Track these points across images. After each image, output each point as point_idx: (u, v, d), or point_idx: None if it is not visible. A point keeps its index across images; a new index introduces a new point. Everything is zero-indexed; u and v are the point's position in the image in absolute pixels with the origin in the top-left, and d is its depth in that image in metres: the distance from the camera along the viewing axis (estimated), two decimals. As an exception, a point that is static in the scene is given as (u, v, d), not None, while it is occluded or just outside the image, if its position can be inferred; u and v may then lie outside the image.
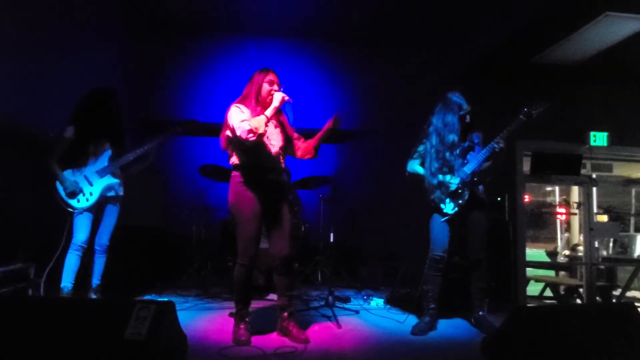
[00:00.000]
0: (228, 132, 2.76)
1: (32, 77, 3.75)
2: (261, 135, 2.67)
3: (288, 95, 2.80)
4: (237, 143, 2.76)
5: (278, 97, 2.75)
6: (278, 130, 2.90)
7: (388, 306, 3.90)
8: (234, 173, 2.83)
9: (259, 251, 2.87)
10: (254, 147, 2.73)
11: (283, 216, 2.89)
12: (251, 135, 2.60)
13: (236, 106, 2.77)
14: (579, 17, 3.85)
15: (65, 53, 4.20)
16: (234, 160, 2.84)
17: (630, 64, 4.75)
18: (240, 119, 2.66)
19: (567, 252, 6.13)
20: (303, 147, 3.00)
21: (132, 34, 5.91)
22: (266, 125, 2.69)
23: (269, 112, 2.71)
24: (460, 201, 3.13)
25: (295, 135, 3.02)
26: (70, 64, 4.24)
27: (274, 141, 2.85)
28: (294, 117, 2.89)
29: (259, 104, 2.80)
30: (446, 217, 3.14)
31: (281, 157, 2.92)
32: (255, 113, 2.76)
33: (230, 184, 2.83)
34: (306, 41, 6.43)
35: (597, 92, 5.23)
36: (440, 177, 3.15)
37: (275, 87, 2.83)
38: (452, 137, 3.17)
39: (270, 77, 2.84)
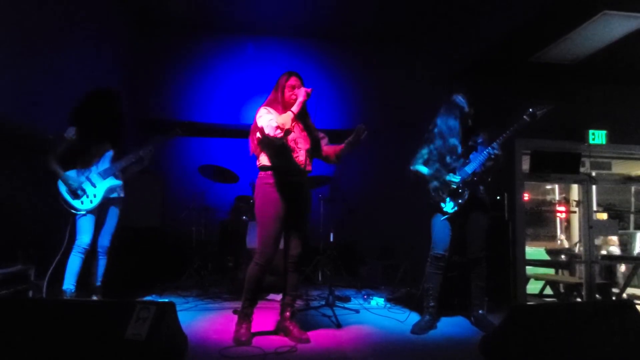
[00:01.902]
0: (258, 134, 2.79)
1: (32, 78, 3.75)
2: (288, 132, 2.70)
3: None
4: (266, 144, 2.79)
5: (301, 92, 2.79)
6: (305, 134, 2.93)
7: (389, 305, 3.92)
8: (261, 174, 2.86)
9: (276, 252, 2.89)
10: (281, 149, 2.77)
11: (303, 217, 2.94)
12: (279, 131, 2.63)
13: (264, 108, 2.81)
14: (576, 15, 3.85)
15: (64, 53, 4.20)
16: (262, 161, 2.86)
17: (629, 62, 4.75)
18: (268, 118, 2.70)
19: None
20: (326, 150, 3.03)
21: (132, 33, 5.92)
22: (293, 122, 2.72)
23: (295, 107, 2.75)
24: (460, 200, 3.15)
25: (321, 135, 3.05)
26: (69, 64, 4.25)
27: (300, 144, 2.88)
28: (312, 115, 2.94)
29: (285, 108, 2.82)
30: (446, 216, 3.16)
31: (307, 160, 2.92)
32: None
33: (257, 184, 2.87)
34: (305, 41, 6.44)
35: (595, 90, 5.23)
36: (443, 177, 3.17)
37: (296, 91, 2.86)
38: (453, 142, 3.19)
39: (292, 82, 2.88)
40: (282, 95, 2.86)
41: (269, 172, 2.82)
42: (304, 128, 2.94)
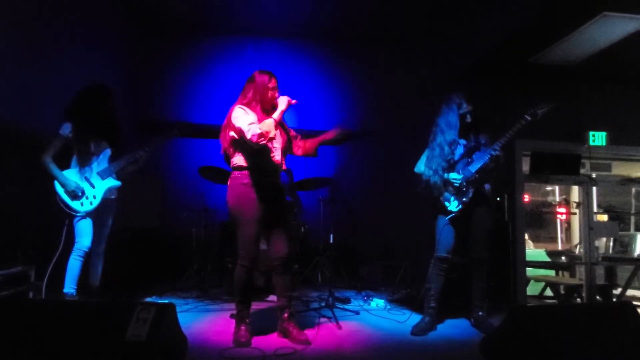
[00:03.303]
0: (232, 134, 2.79)
1: (31, 78, 3.75)
2: (271, 139, 2.71)
3: (288, 96, 2.86)
4: (242, 145, 2.78)
5: (284, 100, 2.80)
6: (279, 131, 2.90)
7: (389, 306, 3.91)
8: (235, 174, 2.83)
9: (259, 252, 2.89)
10: (259, 149, 2.75)
11: (282, 217, 2.92)
12: (262, 139, 2.63)
13: (240, 107, 2.78)
14: (576, 17, 3.85)
15: (64, 53, 4.21)
16: (237, 161, 2.84)
17: (629, 63, 4.75)
18: (248, 121, 2.68)
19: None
20: (303, 146, 3.06)
21: (131, 34, 5.92)
22: (275, 129, 2.73)
23: (276, 115, 2.75)
24: (464, 199, 3.16)
25: (293, 133, 3.07)
26: (69, 64, 4.25)
27: (276, 143, 2.87)
28: (296, 118, 2.94)
29: (263, 109, 2.84)
30: (451, 215, 3.17)
31: (282, 158, 2.95)
32: (259, 116, 2.79)
33: (231, 185, 2.83)
34: (305, 42, 6.44)
35: (595, 92, 5.24)
36: (445, 175, 3.19)
37: (277, 93, 2.88)
38: (452, 135, 3.22)
39: (273, 83, 2.88)
40: (263, 95, 2.84)
41: (245, 172, 2.79)
42: (277, 125, 2.88)
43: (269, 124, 2.69)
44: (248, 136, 2.63)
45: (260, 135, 2.61)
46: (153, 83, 6.15)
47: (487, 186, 3.30)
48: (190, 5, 5.56)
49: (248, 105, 2.82)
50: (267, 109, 2.84)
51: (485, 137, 3.29)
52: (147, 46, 6.12)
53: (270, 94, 2.85)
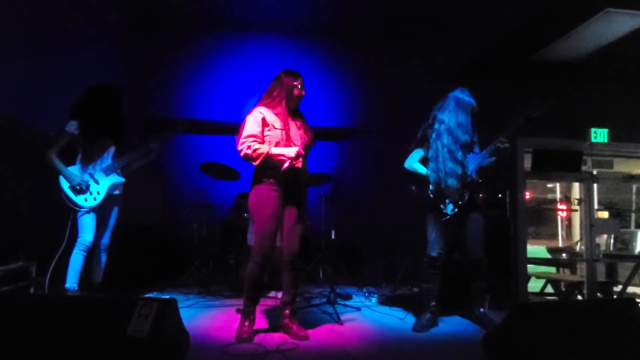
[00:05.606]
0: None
1: (32, 76, 3.75)
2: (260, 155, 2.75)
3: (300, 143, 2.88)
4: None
5: (292, 151, 2.76)
6: (301, 132, 2.95)
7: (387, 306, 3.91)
8: (257, 170, 2.87)
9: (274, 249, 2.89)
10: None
11: (298, 214, 2.92)
12: (247, 158, 2.75)
13: (256, 114, 2.83)
14: (579, 13, 3.84)
15: (65, 51, 4.20)
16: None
17: (631, 60, 4.74)
18: (247, 133, 2.77)
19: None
20: None
21: (133, 31, 5.91)
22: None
23: (275, 150, 2.76)
24: (460, 202, 3.13)
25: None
26: (70, 63, 4.24)
27: (297, 142, 2.87)
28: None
29: (286, 105, 2.89)
30: (445, 218, 3.14)
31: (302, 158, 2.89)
32: (282, 113, 2.86)
33: (253, 182, 2.88)
34: (307, 39, 6.43)
35: (597, 89, 5.22)
36: (450, 179, 3.12)
37: (302, 92, 2.96)
38: (465, 138, 3.16)
39: (299, 82, 2.94)
40: (288, 95, 2.89)
41: (266, 171, 2.81)
42: (299, 126, 2.97)
43: (262, 151, 2.73)
44: (238, 147, 2.76)
45: (245, 155, 2.73)
46: (155, 80, 6.14)
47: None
48: (192, 3, 5.54)
49: (271, 103, 2.88)
50: (291, 108, 2.92)
51: (476, 136, 3.25)
52: (149, 43, 6.10)
53: (295, 93, 2.91)
